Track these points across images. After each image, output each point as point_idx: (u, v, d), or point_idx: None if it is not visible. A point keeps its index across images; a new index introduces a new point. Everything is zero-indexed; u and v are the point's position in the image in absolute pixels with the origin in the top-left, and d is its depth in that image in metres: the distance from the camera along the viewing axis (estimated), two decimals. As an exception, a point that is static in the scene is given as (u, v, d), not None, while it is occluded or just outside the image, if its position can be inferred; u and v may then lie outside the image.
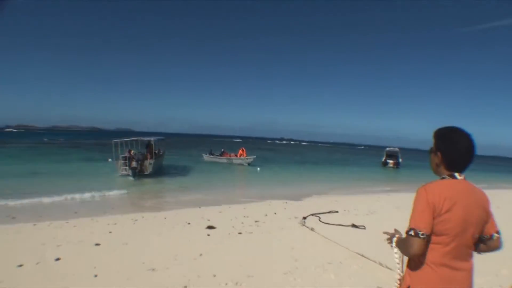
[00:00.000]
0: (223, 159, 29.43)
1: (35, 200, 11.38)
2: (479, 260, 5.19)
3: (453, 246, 1.79)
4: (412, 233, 1.78)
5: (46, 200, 11.45)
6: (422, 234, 1.76)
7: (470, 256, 1.89)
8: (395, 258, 2.21)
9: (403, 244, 1.91)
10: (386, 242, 2.20)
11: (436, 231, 1.78)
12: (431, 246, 1.82)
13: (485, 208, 1.86)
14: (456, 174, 1.87)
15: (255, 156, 28.72)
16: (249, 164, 27.64)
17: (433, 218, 1.77)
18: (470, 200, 1.81)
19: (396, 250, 2.16)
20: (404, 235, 1.94)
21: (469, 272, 1.87)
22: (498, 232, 1.93)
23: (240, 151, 29.25)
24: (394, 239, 2.11)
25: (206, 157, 31.30)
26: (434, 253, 1.81)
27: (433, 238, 1.80)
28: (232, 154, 30.10)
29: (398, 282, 2.16)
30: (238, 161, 28.26)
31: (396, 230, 2.18)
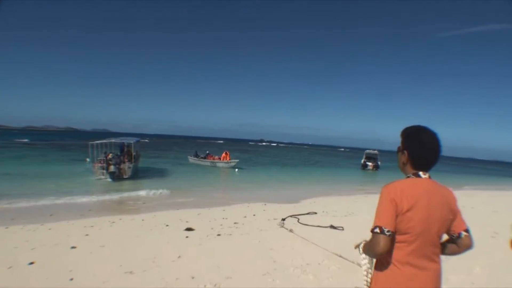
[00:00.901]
0: (207, 162, 29.19)
1: (8, 202, 11.06)
2: (453, 259, 5.33)
3: (417, 244, 1.82)
4: (377, 230, 1.81)
5: (19, 203, 11.13)
6: (388, 231, 1.79)
7: (437, 255, 1.90)
8: (363, 265, 2.22)
9: (369, 244, 1.92)
10: (357, 251, 2.23)
11: (400, 229, 1.81)
12: (396, 245, 1.84)
13: (450, 206, 1.89)
14: (421, 173, 1.90)
15: (238, 160, 28.64)
16: (232, 167, 27.50)
17: (396, 217, 1.80)
18: (433, 198, 1.84)
19: (363, 256, 2.19)
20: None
21: (435, 272, 1.88)
22: (466, 230, 1.96)
23: (224, 154, 29.10)
24: (361, 245, 2.14)
25: (191, 159, 31.01)
26: (398, 252, 1.84)
27: (397, 237, 1.83)
28: (216, 157, 29.84)
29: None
30: (221, 164, 28.11)
31: (364, 240, 2.22)
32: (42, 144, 51.05)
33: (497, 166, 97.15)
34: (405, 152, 1.95)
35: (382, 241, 1.80)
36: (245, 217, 9.52)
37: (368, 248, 1.96)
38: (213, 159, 29.41)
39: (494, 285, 4.79)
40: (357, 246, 2.20)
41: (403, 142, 1.98)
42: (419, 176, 1.91)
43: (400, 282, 1.83)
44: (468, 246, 2.00)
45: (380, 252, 1.83)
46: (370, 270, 2.17)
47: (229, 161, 28.27)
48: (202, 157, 30.50)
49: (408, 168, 1.95)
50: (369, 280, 2.17)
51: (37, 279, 4.71)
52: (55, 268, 5.14)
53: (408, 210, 1.78)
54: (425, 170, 1.92)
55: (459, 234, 1.95)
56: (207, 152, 31.90)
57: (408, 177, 1.94)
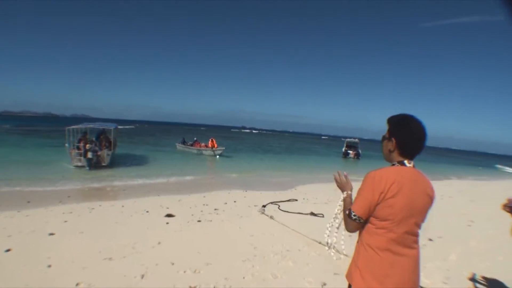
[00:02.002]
0: (193, 149, 28.82)
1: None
2: (430, 246, 5.49)
3: (397, 232, 1.86)
4: (347, 212, 1.95)
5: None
6: (355, 216, 1.90)
7: (415, 243, 1.94)
8: (336, 207, 2.30)
9: (344, 217, 2.04)
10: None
11: (381, 216, 1.86)
12: (376, 231, 1.89)
13: (430, 196, 1.94)
14: (406, 161, 1.94)
15: (224, 148, 28.31)
16: (218, 155, 27.19)
17: (375, 204, 1.85)
18: (416, 187, 1.88)
19: (340, 203, 2.25)
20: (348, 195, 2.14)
21: (414, 258, 1.93)
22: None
23: (210, 142, 28.67)
24: (344, 195, 2.20)
25: (179, 146, 30.54)
26: (379, 238, 1.89)
27: (378, 223, 1.88)
28: (203, 144, 29.41)
29: (327, 233, 2.35)
30: (208, 152, 27.76)
31: (347, 178, 2.27)
32: (19, 130, 49.72)
33: (475, 157, 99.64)
34: (392, 139, 1.97)
35: (350, 224, 1.94)
36: (226, 203, 9.57)
37: (344, 219, 2.06)
38: (200, 146, 29.05)
39: (468, 272, 4.96)
40: (342, 190, 2.25)
41: (391, 129, 2.01)
42: (403, 164, 1.95)
43: (379, 267, 1.88)
44: None
45: (349, 231, 1.99)
46: (334, 224, 2.29)
47: (216, 148, 27.96)
48: (189, 144, 30.09)
49: (394, 155, 1.99)
50: (329, 230, 2.34)
51: (14, 266, 4.66)
52: (33, 255, 5.09)
53: (390, 197, 1.82)
54: (410, 158, 1.97)
55: None
56: (195, 139, 31.31)
57: (393, 165, 1.98)
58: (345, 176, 2.27)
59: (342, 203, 2.21)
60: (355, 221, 1.91)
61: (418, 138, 1.93)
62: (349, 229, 1.98)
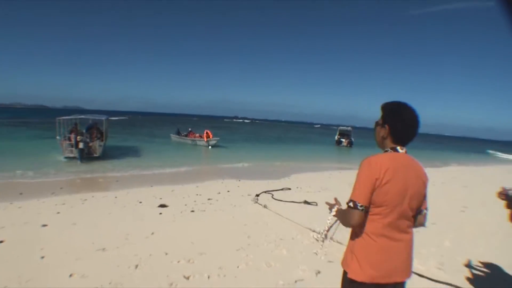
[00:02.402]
0: (188, 140, 28.61)
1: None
2: (423, 232, 5.52)
3: (392, 217, 1.88)
4: (351, 204, 1.89)
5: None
6: (361, 206, 1.87)
7: (410, 227, 1.98)
8: (327, 221, 2.31)
9: (343, 214, 2.01)
10: (328, 210, 2.31)
11: (376, 202, 1.87)
12: (371, 217, 1.91)
13: (424, 182, 1.97)
14: (398, 148, 1.96)
15: (218, 138, 28.12)
16: (212, 146, 27.01)
17: (373, 190, 1.86)
18: (410, 173, 1.91)
19: (330, 217, 2.26)
20: (344, 206, 2.05)
21: (408, 243, 1.96)
22: (426, 209, 2.08)
23: (205, 134, 28.25)
24: (334, 209, 2.23)
25: (173, 137, 30.25)
26: (374, 224, 1.90)
27: (373, 209, 1.90)
28: (197, 135, 29.12)
29: (317, 237, 2.38)
30: (202, 143, 27.52)
31: (336, 200, 2.30)
32: (9, 122, 49.19)
33: (467, 143, 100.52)
34: (386, 126, 1.99)
35: (356, 215, 1.89)
36: (219, 193, 9.59)
37: (342, 218, 2.05)
38: (195, 136, 28.82)
39: (462, 257, 5.02)
40: (331, 208, 2.27)
41: (385, 116, 2.02)
42: (396, 150, 1.96)
43: (376, 253, 1.90)
44: (422, 223, 2.11)
45: (353, 225, 1.94)
46: (331, 225, 2.32)
47: (211, 138, 27.70)
48: (184, 135, 29.81)
49: (387, 142, 2.00)
50: (322, 236, 2.39)
51: (8, 258, 4.64)
52: (26, 246, 5.07)
53: (385, 183, 1.84)
54: (403, 145, 1.98)
55: (421, 211, 2.05)
56: (189, 129, 30.93)
57: (386, 151, 1.99)
58: (335, 200, 2.32)
59: (331, 216, 2.25)
60: (361, 211, 1.88)
61: (411, 125, 1.95)
62: (355, 221, 1.91)
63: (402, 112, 1.96)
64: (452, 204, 8.89)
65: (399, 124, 1.95)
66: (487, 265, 4.79)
